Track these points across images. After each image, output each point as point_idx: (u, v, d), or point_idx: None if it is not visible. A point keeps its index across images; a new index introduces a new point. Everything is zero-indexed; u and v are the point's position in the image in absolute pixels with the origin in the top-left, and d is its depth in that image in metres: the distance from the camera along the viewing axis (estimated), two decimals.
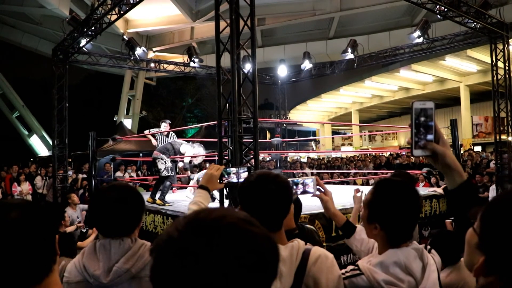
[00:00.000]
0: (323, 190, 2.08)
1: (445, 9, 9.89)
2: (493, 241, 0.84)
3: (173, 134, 8.18)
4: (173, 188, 8.88)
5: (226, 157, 6.14)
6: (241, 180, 2.30)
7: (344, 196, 5.77)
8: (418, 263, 1.64)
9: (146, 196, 7.57)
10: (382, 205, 1.66)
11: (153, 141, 8.19)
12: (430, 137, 1.19)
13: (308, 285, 1.47)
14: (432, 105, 1.20)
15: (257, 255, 0.64)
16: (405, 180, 1.81)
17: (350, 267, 1.69)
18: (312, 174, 13.66)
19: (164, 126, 8.08)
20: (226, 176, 2.31)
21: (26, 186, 12.39)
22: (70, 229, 6.75)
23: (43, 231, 1.10)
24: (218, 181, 2.15)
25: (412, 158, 13.71)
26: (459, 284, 2.62)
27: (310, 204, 2.48)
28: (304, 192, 1.98)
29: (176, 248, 0.63)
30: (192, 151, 7.58)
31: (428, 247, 1.81)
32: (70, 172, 12.18)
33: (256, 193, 1.53)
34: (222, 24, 6.07)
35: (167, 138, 8.05)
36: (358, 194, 2.68)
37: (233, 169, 2.36)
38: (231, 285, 0.60)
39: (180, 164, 7.93)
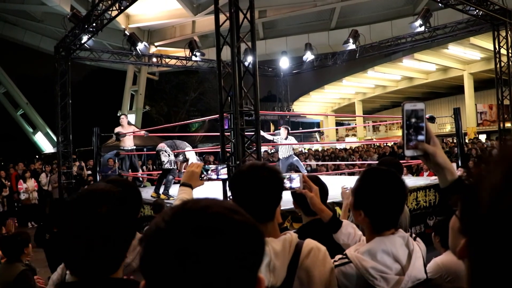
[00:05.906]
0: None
1: None
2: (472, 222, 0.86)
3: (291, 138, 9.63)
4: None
5: (229, 150, 6.15)
6: (221, 176, 2.36)
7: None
8: (404, 250, 1.68)
9: (151, 190, 7.61)
10: (366, 192, 1.71)
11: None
12: (421, 137, 1.22)
13: (301, 278, 1.48)
14: (423, 106, 1.23)
15: (242, 244, 0.65)
16: (391, 168, 1.85)
17: (338, 256, 1.71)
18: (317, 165, 13.67)
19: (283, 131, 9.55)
20: (205, 173, 2.35)
21: (31, 183, 12.49)
22: None
23: (127, 228, 1.19)
24: (199, 178, 2.19)
25: None
26: (457, 264, 2.74)
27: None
28: (290, 187, 2.00)
29: (163, 239, 0.64)
30: (194, 158, 7.80)
31: (413, 235, 1.84)
32: (74, 168, 12.23)
33: (250, 181, 1.53)
34: (222, 17, 6.06)
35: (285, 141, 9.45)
36: (346, 191, 2.72)
37: (212, 166, 2.40)
38: (218, 275, 0.61)
39: (180, 158, 7.99)
